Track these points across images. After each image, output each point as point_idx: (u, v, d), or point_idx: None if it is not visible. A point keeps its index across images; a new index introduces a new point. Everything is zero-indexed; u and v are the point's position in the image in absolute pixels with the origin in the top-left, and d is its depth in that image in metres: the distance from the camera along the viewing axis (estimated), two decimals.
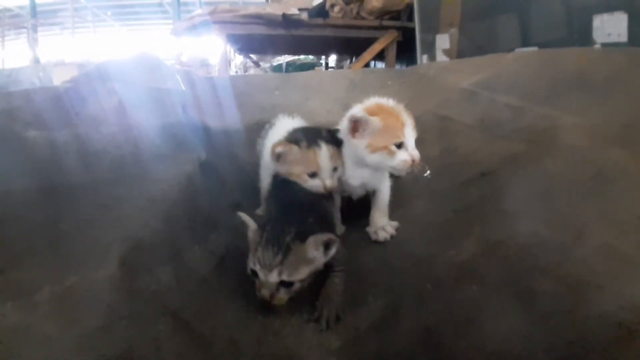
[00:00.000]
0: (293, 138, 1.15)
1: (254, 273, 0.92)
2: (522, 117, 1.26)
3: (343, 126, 1.12)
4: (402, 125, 1.07)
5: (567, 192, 0.96)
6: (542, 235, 0.87)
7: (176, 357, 0.75)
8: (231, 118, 1.56)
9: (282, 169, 1.13)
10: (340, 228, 1.20)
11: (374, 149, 1.07)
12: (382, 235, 1.14)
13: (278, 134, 1.22)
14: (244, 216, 0.99)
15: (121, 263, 0.80)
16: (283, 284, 0.90)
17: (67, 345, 0.67)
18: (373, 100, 1.16)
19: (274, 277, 0.89)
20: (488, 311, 0.81)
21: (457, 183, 1.19)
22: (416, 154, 1.06)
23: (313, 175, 1.11)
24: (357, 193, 1.21)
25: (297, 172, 1.11)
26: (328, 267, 1.03)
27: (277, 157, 1.11)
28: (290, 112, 1.40)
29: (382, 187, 1.21)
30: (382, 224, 1.17)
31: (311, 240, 0.91)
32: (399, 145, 1.06)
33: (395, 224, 1.18)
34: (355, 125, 1.08)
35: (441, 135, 1.44)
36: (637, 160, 0.96)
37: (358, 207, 1.23)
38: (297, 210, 1.03)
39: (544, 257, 0.83)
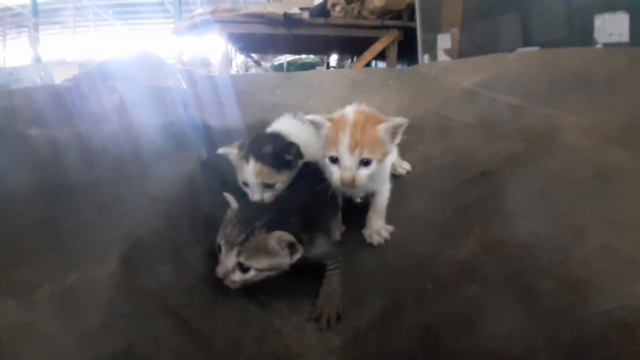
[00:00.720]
0: (244, 142, 1.18)
1: (219, 248, 0.93)
2: (523, 117, 1.27)
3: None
4: (338, 141, 1.03)
5: (568, 192, 0.96)
6: (543, 235, 0.87)
7: (176, 355, 0.75)
8: (232, 117, 1.56)
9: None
10: (340, 227, 1.20)
11: (323, 152, 1.08)
12: (377, 240, 1.14)
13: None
14: (228, 196, 1.01)
15: (122, 261, 0.80)
16: (240, 266, 0.90)
17: (68, 343, 0.67)
18: (358, 108, 1.13)
19: (232, 256, 0.90)
20: (488, 310, 0.81)
21: (457, 183, 1.19)
22: (346, 175, 1.01)
23: (245, 184, 1.14)
24: (357, 195, 1.20)
25: (238, 174, 1.16)
26: (322, 267, 1.05)
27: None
28: (291, 111, 1.40)
29: (382, 189, 1.20)
30: (377, 227, 1.16)
31: (276, 234, 0.90)
32: (334, 160, 1.05)
33: (390, 228, 1.17)
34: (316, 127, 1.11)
35: (442, 135, 1.44)
36: (637, 160, 0.96)
37: (360, 206, 1.23)
38: (288, 207, 1.04)
39: (545, 257, 0.83)
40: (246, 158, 1.11)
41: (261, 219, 0.93)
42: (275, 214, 0.97)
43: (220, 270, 0.90)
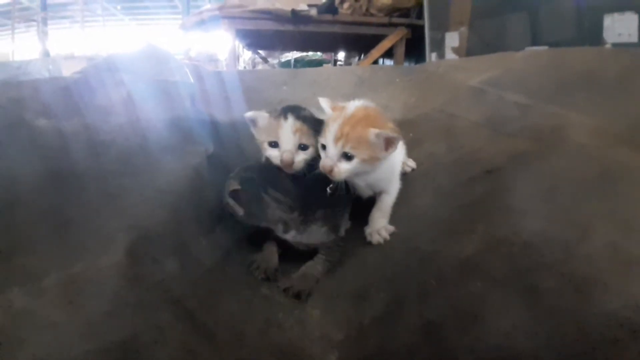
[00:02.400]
0: (272, 109, 1.21)
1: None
2: (530, 115, 1.26)
3: None
4: (327, 130, 1.06)
5: (573, 191, 0.95)
6: (547, 233, 0.87)
7: (180, 345, 0.76)
8: (239, 112, 1.56)
9: (255, 135, 1.20)
10: (346, 224, 1.20)
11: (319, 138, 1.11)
12: (376, 239, 1.14)
13: None
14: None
15: (127, 252, 0.81)
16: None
17: (73, 331, 0.67)
18: (363, 104, 1.14)
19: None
20: (492, 307, 0.80)
21: (462, 180, 1.19)
22: (326, 162, 1.05)
23: (274, 144, 1.14)
24: (366, 193, 1.21)
25: (261, 140, 1.17)
26: (314, 251, 1.13)
27: (251, 122, 1.20)
28: None
29: (390, 189, 1.21)
30: (378, 227, 1.16)
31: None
32: (323, 147, 1.08)
33: (391, 228, 1.16)
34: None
35: (448, 133, 1.44)
36: None
37: (366, 203, 1.23)
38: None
39: (549, 255, 0.83)
40: (284, 116, 1.13)
41: None
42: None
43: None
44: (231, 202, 1.06)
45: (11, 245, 0.77)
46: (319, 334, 0.91)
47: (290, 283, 1.04)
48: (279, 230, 1.12)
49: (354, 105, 1.11)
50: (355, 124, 1.04)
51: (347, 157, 1.04)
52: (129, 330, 0.71)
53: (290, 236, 1.12)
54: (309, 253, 1.14)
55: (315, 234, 1.11)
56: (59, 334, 0.67)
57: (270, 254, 1.13)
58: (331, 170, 1.04)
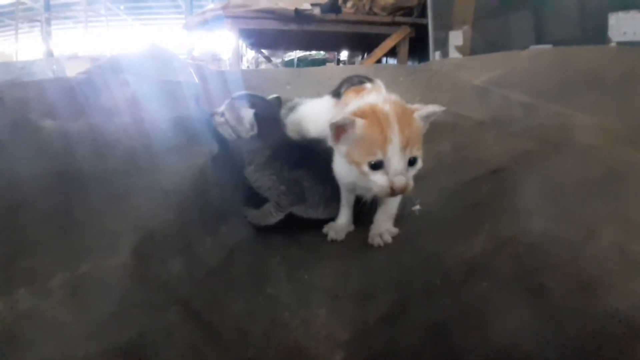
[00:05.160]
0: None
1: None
2: (535, 115, 1.26)
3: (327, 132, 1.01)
4: (385, 140, 0.86)
5: (579, 191, 0.95)
6: (553, 233, 0.87)
7: (186, 345, 0.76)
8: None
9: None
10: (349, 227, 1.22)
11: (350, 161, 0.94)
12: (377, 242, 1.12)
13: None
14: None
15: (133, 252, 0.81)
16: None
17: (80, 331, 0.68)
18: (372, 99, 0.99)
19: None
20: (497, 307, 0.80)
21: (467, 180, 1.18)
22: (399, 180, 0.87)
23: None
24: (369, 194, 1.19)
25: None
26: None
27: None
28: None
29: None
30: (382, 230, 1.14)
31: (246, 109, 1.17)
32: (376, 166, 0.89)
33: (394, 231, 1.14)
34: (339, 131, 0.94)
35: (452, 132, 1.44)
36: None
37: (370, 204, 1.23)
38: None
39: (555, 255, 0.82)
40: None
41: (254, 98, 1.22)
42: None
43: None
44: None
45: (17, 246, 0.77)
46: (324, 334, 0.91)
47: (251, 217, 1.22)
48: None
49: (382, 100, 0.94)
50: (408, 122, 0.89)
51: (411, 162, 0.90)
52: (135, 331, 0.71)
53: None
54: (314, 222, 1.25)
55: (267, 178, 1.25)
56: (66, 335, 0.67)
57: None
58: (406, 187, 0.89)
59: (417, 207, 1.11)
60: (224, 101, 1.26)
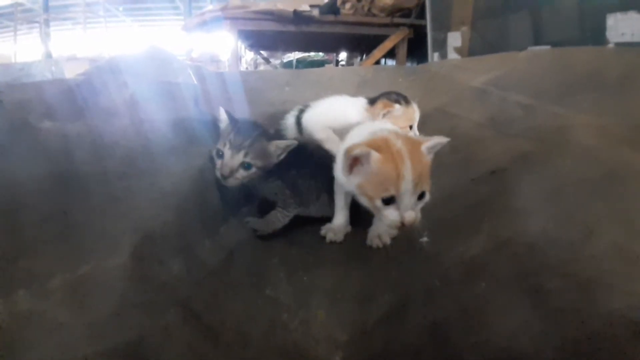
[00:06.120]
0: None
1: (218, 153, 1.11)
2: (533, 116, 1.26)
3: (337, 159, 1.03)
4: (398, 177, 0.87)
5: (578, 191, 0.95)
6: (552, 233, 0.87)
7: (185, 346, 0.76)
8: (242, 113, 1.56)
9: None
10: (347, 228, 1.22)
11: (362, 193, 0.94)
12: (376, 243, 1.12)
13: None
14: (222, 110, 1.20)
15: (132, 253, 0.81)
16: (243, 165, 1.09)
17: (79, 332, 0.68)
18: (383, 128, 1.02)
19: (239, 156, 1.08)
20: (496, 308, 0.80)
21: (466, 180, 1.19)
22: (409, 215, 0.88)
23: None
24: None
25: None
26: (273, 204, 1.23)
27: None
28: None
29: None
30: (380, 231, 1.14)
31: (275, 142, 1.15)
32: (388, 201, 0.89)
33: (393, 232, 1.14)
34: (354, 162, 0.94)
35: (451, 133, 1.43)
36: None
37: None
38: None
39: (554, 255, 0.83)
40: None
41: (257, 130, 1.16)
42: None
43: (226, 169, 1.08)
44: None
45: (16, 247, 0.77)
46: (323, 334, 0.91)
47: (256, 226, 1.19)
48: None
49: (392, 136, 0.95)
50: (418, 158, 0.91)
51: (420, 196, 0.91)
52: (135, 332, 0.72)
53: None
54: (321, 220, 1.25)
55: (272, 184, 1.22)
56: (65, 336, 0.67)
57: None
58: (415, 221, 0.90)
59: (425, 239, 1.11)
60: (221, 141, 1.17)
